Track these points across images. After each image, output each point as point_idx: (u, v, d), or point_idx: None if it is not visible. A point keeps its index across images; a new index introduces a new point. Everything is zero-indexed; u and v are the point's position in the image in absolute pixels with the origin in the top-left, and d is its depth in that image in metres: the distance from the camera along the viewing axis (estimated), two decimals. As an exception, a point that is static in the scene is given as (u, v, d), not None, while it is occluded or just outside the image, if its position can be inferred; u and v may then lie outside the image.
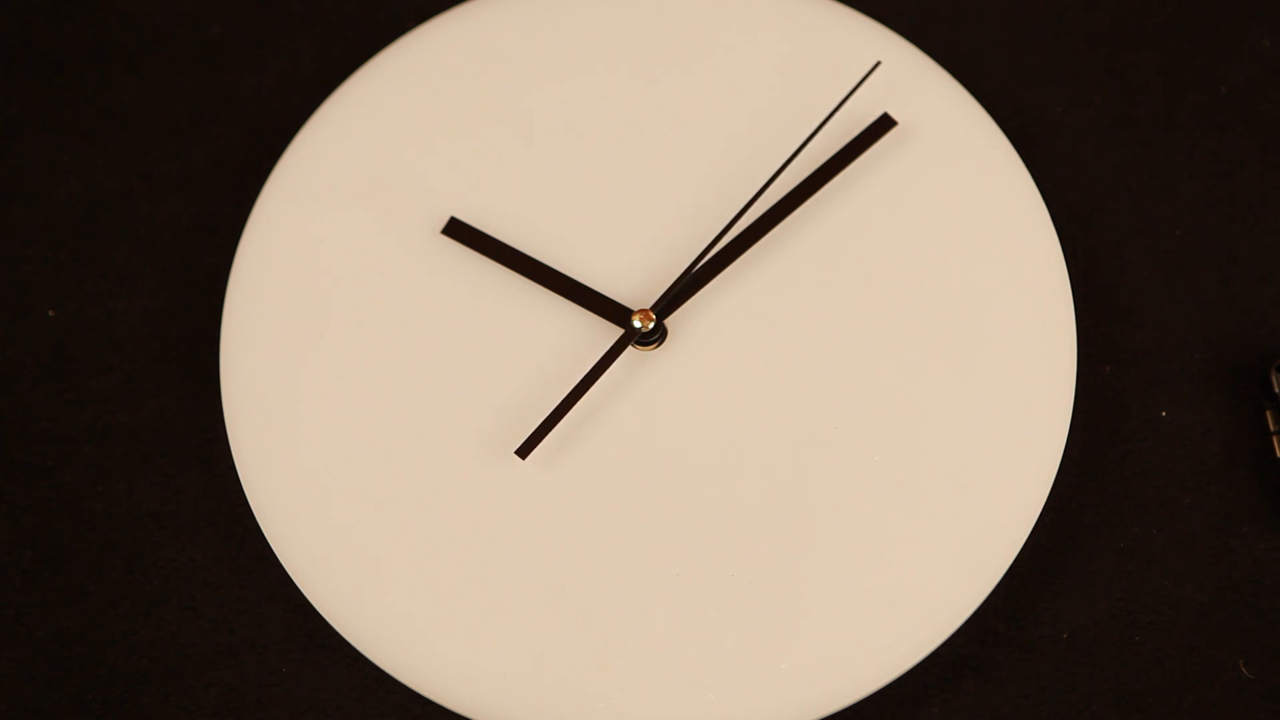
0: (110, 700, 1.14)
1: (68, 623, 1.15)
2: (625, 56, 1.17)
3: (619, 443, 1.10)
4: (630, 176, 1.15)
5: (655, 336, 1.12)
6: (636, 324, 1.11)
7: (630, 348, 1.12)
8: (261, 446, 1.11)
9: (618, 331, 1.12)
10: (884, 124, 1.15)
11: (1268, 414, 1.15)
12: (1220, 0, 1.25)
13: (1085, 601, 1.14)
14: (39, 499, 1.17)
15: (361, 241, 1.14)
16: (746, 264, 1.13)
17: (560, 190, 1.15)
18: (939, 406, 1.10)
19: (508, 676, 1.07)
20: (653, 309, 1.11)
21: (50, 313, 1.20)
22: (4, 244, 1.22)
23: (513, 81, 1.17)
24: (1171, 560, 1.14)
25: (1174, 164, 1.21)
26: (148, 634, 1.15)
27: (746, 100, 1.16)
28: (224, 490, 1.17)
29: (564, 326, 1.13)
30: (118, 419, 1.18)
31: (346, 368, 1.12)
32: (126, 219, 1.22)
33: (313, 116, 1.18)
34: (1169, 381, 1.17)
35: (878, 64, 1.14)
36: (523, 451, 1.09)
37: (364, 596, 1.09)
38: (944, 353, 1.11)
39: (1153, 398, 1.17)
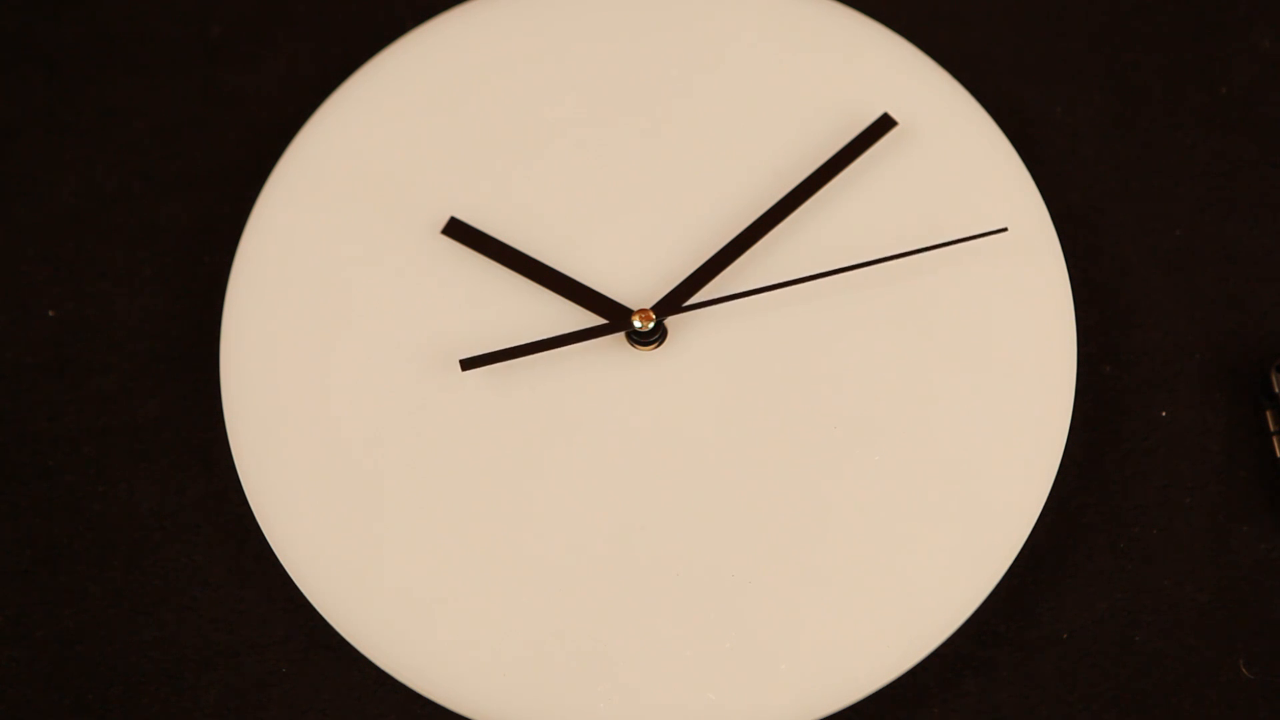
0: (110, 700, 1.14)
1: (68, 623, 1.15)
2: (625, 56, 1.17)
3: (619, 442, 1.10)
4: (630, 176, 1.15)
5: (655, 336, 1.12)
6: (637, 324, 1.11)
7: (631, 348, 1.12)
8: (261, 446, 1.11)
9: (618, 332, 1.12)
10: (884, 124, 1.15)
11: (1268, 414, 1.15)
12: (1220, 0, 1.25)
13: (1085, 601, 1.14)
14: (39, 499, 1.17)
15: (361, 241, 1.14)
16: (747, 263, 1.13)
17: (560, 190, 1.15)
18: (939, 406, 1.10)
19: (508, 677, 1.07)
20: (653, 309, 1.11)
21: (50, 313, 1.20)
22: (4, 244, 1.22)
23: (513, 81, 1.17)
24: (1171, 560, 1.14)
25: (1174, 164, 1.21)
26: (148, 634, 1.14)
27: (746, 100, 1.16)
28: (224, 490, 1.17)
29: (563, 326, 1.12)
30: (118, 419, 1.18)
31: (346, 367, 1.12)
32: (126, 219, 1.22)
33: (313, 116, 1.17)
34: (1169, 381, 1.17)
35: (1004, 229, 1.12)
36: (466, 364, 1.09)
37: (364, 596, 1.09)
38: (944, 353, 1.11)
39: (1153, 398, 1.17)
